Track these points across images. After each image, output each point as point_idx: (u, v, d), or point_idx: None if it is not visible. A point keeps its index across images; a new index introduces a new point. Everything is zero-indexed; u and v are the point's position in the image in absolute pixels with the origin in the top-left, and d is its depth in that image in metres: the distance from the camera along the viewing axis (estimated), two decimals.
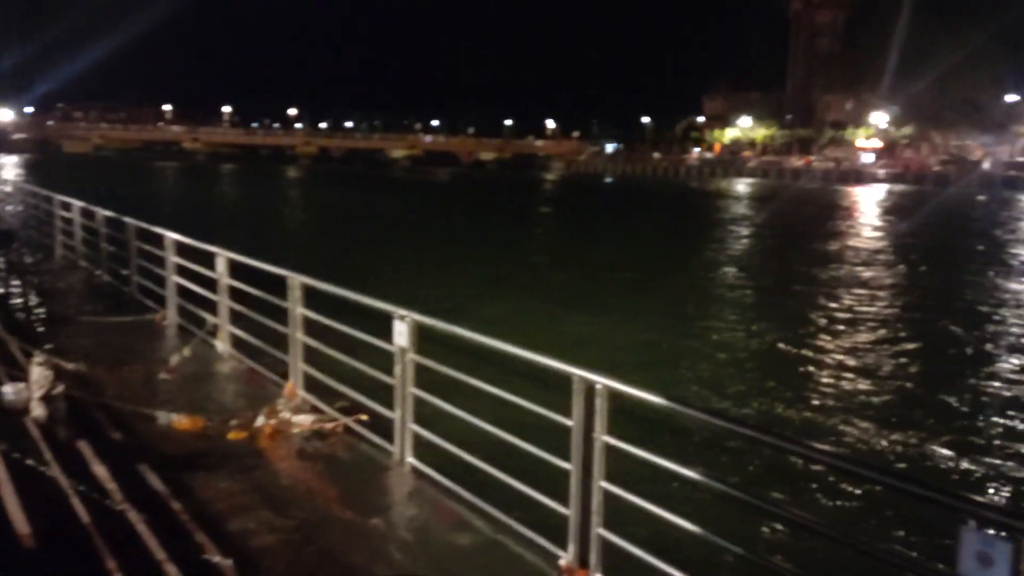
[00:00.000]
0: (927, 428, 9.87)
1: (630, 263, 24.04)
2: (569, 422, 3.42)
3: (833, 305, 17.53)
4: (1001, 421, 10.21)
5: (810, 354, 13.44)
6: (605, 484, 3.31)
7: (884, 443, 9.43)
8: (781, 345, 13.93)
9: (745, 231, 34.92)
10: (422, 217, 41.53)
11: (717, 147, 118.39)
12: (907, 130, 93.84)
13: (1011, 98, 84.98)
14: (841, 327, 15.42)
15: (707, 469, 7.86)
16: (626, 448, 3.26)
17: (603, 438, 3.30)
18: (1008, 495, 8.10)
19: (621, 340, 14.09)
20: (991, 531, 2.05)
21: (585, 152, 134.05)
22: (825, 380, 11.97)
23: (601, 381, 3.28)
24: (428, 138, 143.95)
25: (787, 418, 10.32)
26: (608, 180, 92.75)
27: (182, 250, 8.05)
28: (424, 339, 4.57)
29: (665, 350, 13.45)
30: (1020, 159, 79.68)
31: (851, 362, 12.91)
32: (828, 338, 14.51)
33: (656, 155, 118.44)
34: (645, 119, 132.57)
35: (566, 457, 3.45)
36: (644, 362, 12.60)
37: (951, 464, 8.82)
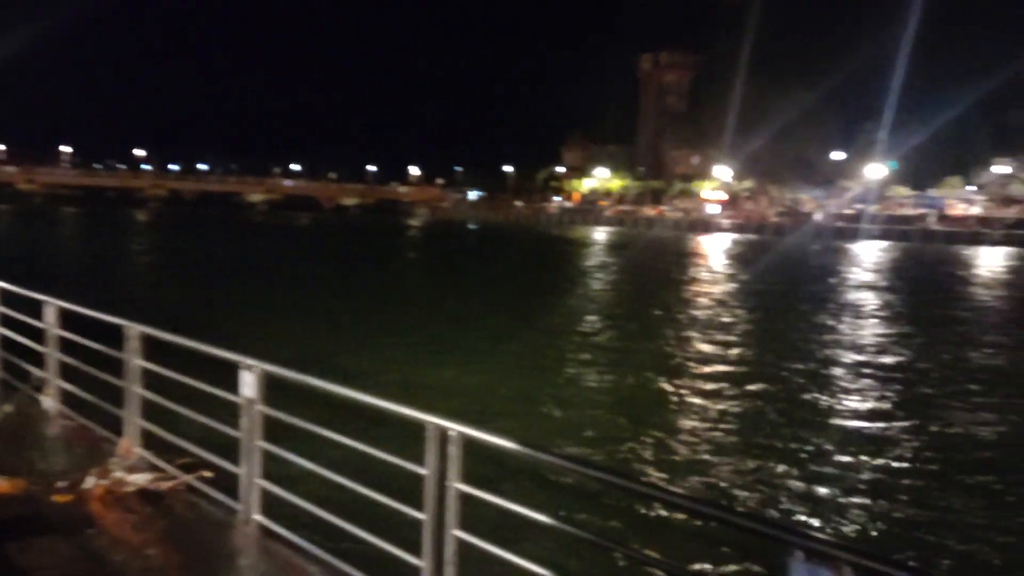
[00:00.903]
0: (766, 464, 10.44)
1: (493, 308, 24.29)
2: (423, 471, 3.37)
3: (687, 348, 18.38)
4: (834, 456, 10.95)
5: (663, 395, 13.97)
6: (459, 532, 3.27)
7: (726, 481, 9.88)
8: (636, 388, 14.42)
9: (604, 277, 36.21)
10: (279, 262, 40.36)
11: (576, 196, 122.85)
12: (747, 184, 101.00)
13: (838, 155, 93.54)
14: (693, 367, 16.15)
15: (562, 512, 8.08)
16: (481, 495, 3.24)
17: (456, 486, 3.26)
18: (835, 526, 8.64)
19: (483, 386, 14.13)
20: (817, 561, 2.14)
21: (449, 199, 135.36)
22: (677, 421, 12.46)
23: (455, 428, 3.26)
24: (288, 182, 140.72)
25: (641, 459, 10.64)
26: (472, 227, 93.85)
27: (7, 299, 7.39)
28: (273, 389, 4.38)
29: (525, 395, 13.60)
30: (847, 211, 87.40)
31: (701, 402, 13.51)
32: (681, 380, 15.14)
33: (518, 203, 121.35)
34: (508, 168, 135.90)
35: (421, 507, 3.39)
36: (504, 408, 12.69)
37: (788, 498, 9.35)
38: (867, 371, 16.13)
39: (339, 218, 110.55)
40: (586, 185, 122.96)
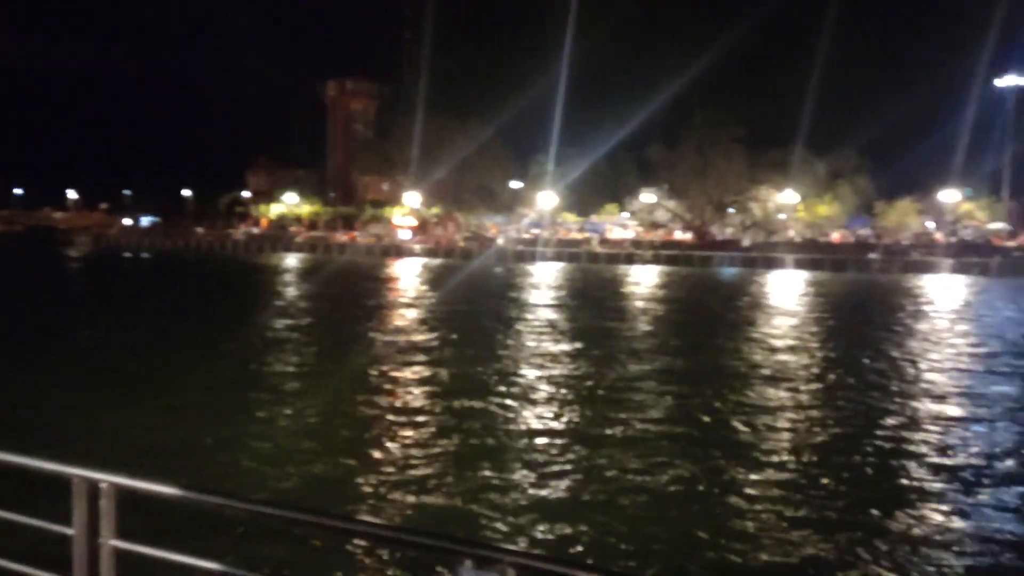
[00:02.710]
0: (448, 477, 10.74)
1: (166, 344, 22.30)
2: (70, 530, 2.87)
3: (382, 369, 18.38)
4: (518, 462, 11.58)
5: (355, 422, 13.79)
6: None
7: (411, 499, 9.99)
8: (325, 417, 14.06)
9: (295, 305, 35.07)
10: None
11: (264, 222, 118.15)
12: (436, 210, 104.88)
13: (515, 184, 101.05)
14: (386, 389, 16.19)
15: (232, 555, 7.65)
16: (140, 550, 2.84)
17: (112, 543, 2.82)
18: (512, 531, 9.11)
19: (149, 429, 12.84)
20: (484, 567, 2.23)
21: (116, 225, 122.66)
22: (370, 447, 12.34)
23: (106, 479, 2.82)
24: None
25: (329, 489, 10.36)
26: (145, 256, 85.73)
27: None
28: None
29: (195, 436, 12.60)
30: (525, 236, 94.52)
31: (395, 425, 13.54)
32: (372, 404, 15.07)
33: (199, 229, 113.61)
34: (186, 192, 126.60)
35: (71, 570, 2.90)
36: (173, 450, 11.66)
37: (477, 511, 9.68)
38: (544, 382, 17.39)
39: None
40: (274, 210, 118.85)
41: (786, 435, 13.23)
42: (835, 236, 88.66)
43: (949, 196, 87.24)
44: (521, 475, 10.91)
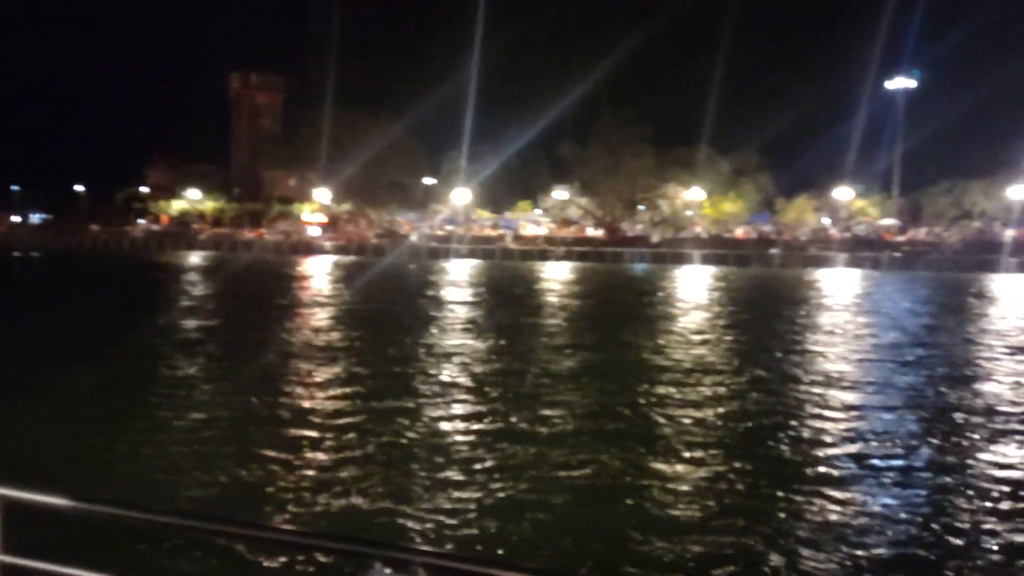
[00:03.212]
0: (372, 484, 10.39)
1: (59, 348, 20.96)
2: None
3: (295, 370, 17.73)
4: (429, 461, 11.30)
5: (268, 424, 13.21)
6: None
7: (332, 505, 9.60)
8: (234, 421, 13.42)
9: (201, 304, 33.65)
10: None
11: (164, 219, 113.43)
12: (347, 206, 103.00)
13: (429, 181, 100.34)
14: (302, 389, 15.61)
15: (132, 569, 7.20)
16: (32, 565, 2.53)
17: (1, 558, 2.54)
18: (427, 535, 8.86)
19: (42, 439, 11.96)
20: (395, 568, 2.20)
21: (4, 223, 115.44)
22: (282, 452, 11.82)
23: None
24: None
25: (243, 495, 9.85)
26: (35, 255, 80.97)
27: None
28: None
29: (93, 442, 11.81)
30: (439, 232, 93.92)
31: (310, 429, 13.04)
32: (291, 404, 14.50)
33: (94, 227, 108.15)
34: (79, 187, 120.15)
35: None
36: (68, 460, 10.89)
37: (399, 513, 9.37)
38: (465, 379, 17.16)
39: None
40: (176, 207, 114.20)
41: (707, 427, 13.41)
42: (739, 232, 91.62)
43: (843, 194, 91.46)
44: (444, 475, 10.64)
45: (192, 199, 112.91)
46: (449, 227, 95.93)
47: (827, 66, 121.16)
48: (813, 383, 17.07)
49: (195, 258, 76.81)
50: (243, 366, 18.35)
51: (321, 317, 28.87)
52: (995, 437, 12.80)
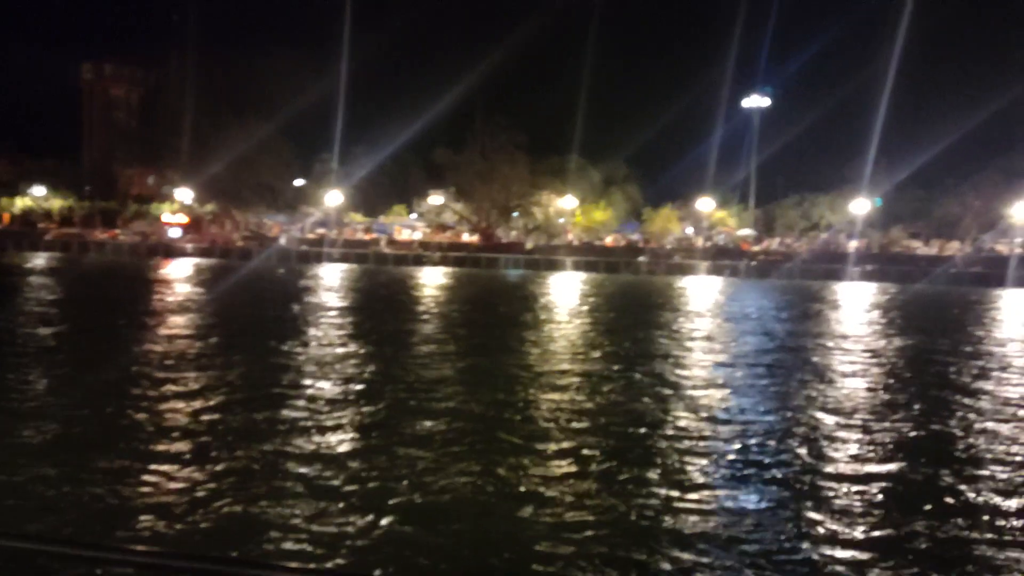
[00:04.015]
0: (236, 500, 9.86)
1: None
2: None
3: (152, 380, 16.63)
4: (299, 473, 10.86)
5: (119, 439, 12.30)
6: None
7: (192, 523, 9.04)
8: (84, 435, 12.42)
9: (45, 310, 31.04)
10: None
11: (6, 217, 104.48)
12: (210, 207, 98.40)
13: (299, 182, 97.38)
14: (159, 402, 14.64)
15: None
16: None
17: None
18: (295, 549, 8.50)
19: None
20: None
21: None
22: (137, 467, 11.03)
23: None
24: None
25: (88, 515, 9.09)
26: None
27: None
28: None
29: None
30: (311, 236, 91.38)
31: (167, 443, 12.25)
32: (146, 418, 13.56)
33: None
34: None
35: None
36: None
37: (266, 527, 8.91)
38: (338, 387, 16.64)
39: None
40: (19, 204, 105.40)
41: (583, 433, 13.56)
42: (609, 240, 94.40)
43: (705, 204, 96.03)
44: (322, 486, 10.22)
45: (37, 196, 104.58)
46: (321, 230, 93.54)
47: (690, 82, 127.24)
48: (691, 386, 17.67)
49: (40, 260, 71.14)
50: (97, 376, 17.03)
51: (181, 324, 27.30)
52: (851, 431, 13.64)
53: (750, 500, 10.30)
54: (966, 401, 17.01)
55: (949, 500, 10.48)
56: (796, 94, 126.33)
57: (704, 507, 10.00)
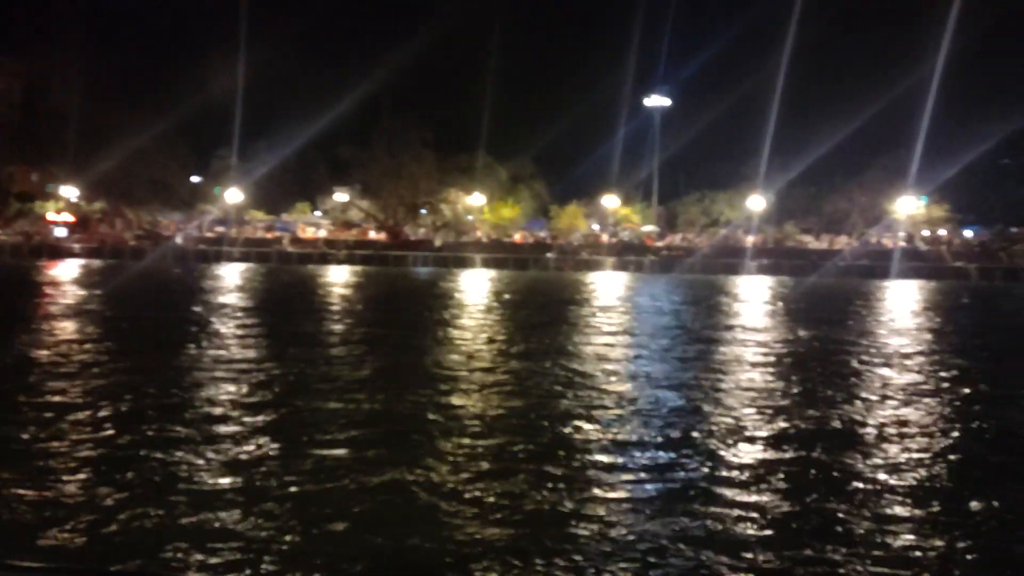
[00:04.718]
0: (130, 516, 9.23)
1: None
2: None
3: (39, 391, 15.45)
4: (202, 483, 10.27)
5: None
6: None
7: (77, 542, 8.39)
8: None
9: None
10: None
11: None
12: (99, 205, 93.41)
13: (196, 179, 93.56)
14: (42, 413, 13.58)
15: None
16: None
17: None
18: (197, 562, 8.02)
19: None
20: None
21: None
22: (20, 480, 10.18)
23: None
24: None
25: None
26: None
27: None
28: None
29: None
30: (209, 235, 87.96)
31: (47, 459, 11.37)
32: (28, 433, 12.55)
33: None
34: None
35: None
36: None
37: (160, 542, 8.35)
38: (240, 393, 15.91)
39: None
40: None
41: (507, 432, 13.37)
42: (517, 237, 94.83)
43: (610, 202, 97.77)
44: (225, 495, 9.64)
45: None
46: (219, 229, 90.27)
47: (594, 82, 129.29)
48: (619, 381, 17.74)
49: None
50: None
51: (70, 329, 25.60)
52: (772, 419, 13.96)
53: (670, 487, 10.34)
54: (868, 386, 17.76)
55: (850, 480, 10.82)
56: (696, 94, 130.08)
57: (627, 496, 9.97)
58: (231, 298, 38.38)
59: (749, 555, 8.42)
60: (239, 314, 30.70)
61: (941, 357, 22.80)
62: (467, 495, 10.01)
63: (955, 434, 13.73)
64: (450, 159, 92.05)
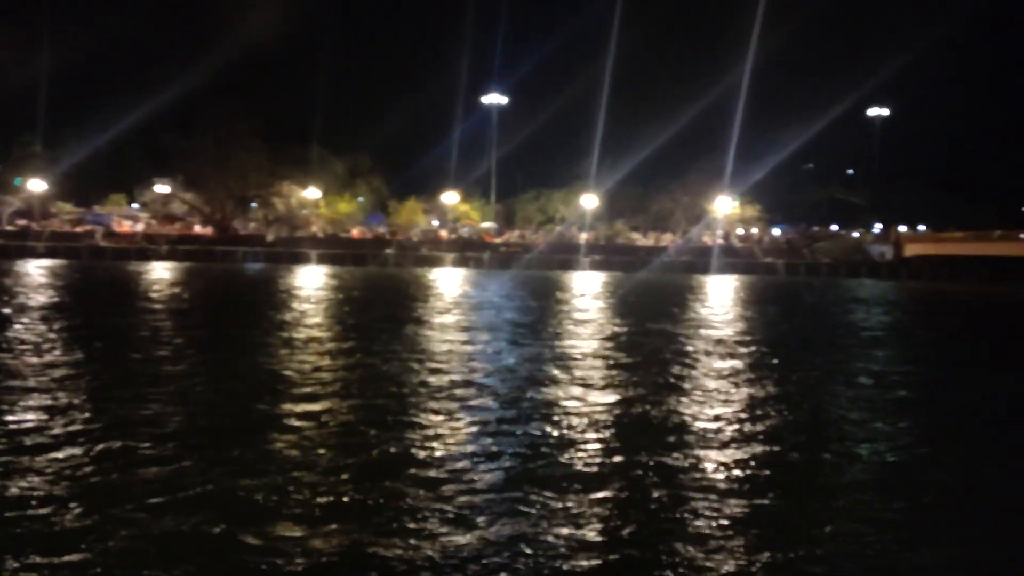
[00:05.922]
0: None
1: None
2: None
3: None
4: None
5: None
6: None
7: None
8: None
9: None
10: None
11: None
12: None
13: None
14: None
15: None
16: None
17: None
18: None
19: None
20: None
21: None
22: None
23: None
24: None
25: None
26: None
27: None
28: None
29: None
30: (9, 228, 79.50)
31: None
32: None
33: None
34: None
35: None
36: None
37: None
38: (58, 396, 14.42)
39: None
40: None
41: (345, 435, 12.91)
42: (355, 232, 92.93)
43: (449, 198, 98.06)
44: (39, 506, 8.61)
45: None
46: (22, 222, 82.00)
47: (433, 77, 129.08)
48: (480, 376, 17.59)
49: None
50: None
51: None
52: (615, 408, 14.35)
53: (495, 478, 10.36)
54: (703, 372, 18.76)
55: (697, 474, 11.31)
56: (532, 93, 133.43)
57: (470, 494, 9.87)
58: (37, 298, 34.80)
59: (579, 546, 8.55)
60: (44, 314, 27.84)
61: (758, 346, 24.51)
62: (307, 502, 9.52)
63: (773, 413, 14.74)
64: (283, 151, 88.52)
